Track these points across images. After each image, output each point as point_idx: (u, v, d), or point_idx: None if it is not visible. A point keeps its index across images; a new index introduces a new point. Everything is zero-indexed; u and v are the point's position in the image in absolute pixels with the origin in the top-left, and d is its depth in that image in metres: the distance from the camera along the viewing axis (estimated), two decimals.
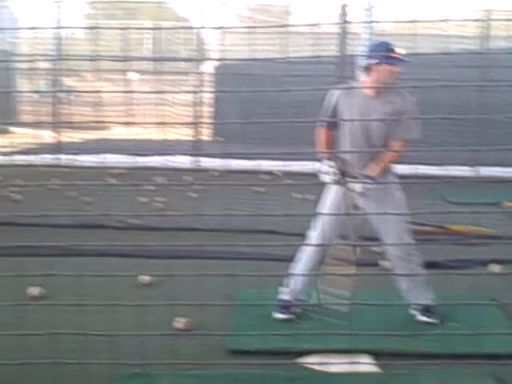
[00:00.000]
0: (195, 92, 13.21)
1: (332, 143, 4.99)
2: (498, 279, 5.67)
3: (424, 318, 4.79)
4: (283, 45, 13.03)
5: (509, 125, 11.18)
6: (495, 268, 6.09)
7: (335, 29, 13.09)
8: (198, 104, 13.56)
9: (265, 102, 12.31)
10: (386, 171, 4.81)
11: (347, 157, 4.78)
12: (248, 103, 12.79)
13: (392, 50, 4.68)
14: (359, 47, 11.88)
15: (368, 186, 4.65)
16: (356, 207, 4.92)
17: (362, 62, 4.86)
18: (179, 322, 4.41)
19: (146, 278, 5.33)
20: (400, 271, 4.80)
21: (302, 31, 13.09)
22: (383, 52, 4.61)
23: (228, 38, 13.94)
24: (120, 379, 3.71)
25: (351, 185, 4.75)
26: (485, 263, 6.12)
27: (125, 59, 13.78)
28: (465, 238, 7.02)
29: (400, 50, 4.71)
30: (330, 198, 4.91)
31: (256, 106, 12.54)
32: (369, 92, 4.77)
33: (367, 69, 4.76)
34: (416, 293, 4.84)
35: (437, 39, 13.22)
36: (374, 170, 4.70)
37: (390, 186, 4.73)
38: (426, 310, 4.83)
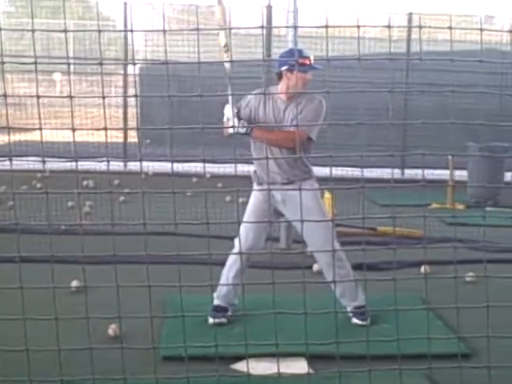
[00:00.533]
0: (128, 96, 13.02)
1: None
2: (429, 280, 5.79)
3: (357, 321, 4.89)
4: (209, 46, 13.02)
5: (427, 127, 11.49)
6: (426, 269, 6.24)
7: (261, 30, 13.14)
8: (125, 106, 13.44)
9: (192, 103, 12.30)
10: (305, 178, 4.87)
11: (264, 163, 4.82)
12: (175, 105, 12.75)
13: (303, 57, 4.74)
14: (284, 49, 12.00)
15: (286, 192, 4.70)
16: (278, 213, 4.98)
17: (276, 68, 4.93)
18: (112, 329, 4.35)
19: (76, 285, 5.25)
20: (330, 276, 4.84)
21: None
22: (294, 59, 4.67)
23: (153, 38, 13.84)
24: None
25: (272, 193, 4.80)
26: (416, 265, 6.25)
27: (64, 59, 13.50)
28: (395, 240, 7.17)
29: (310, 57, 4.78)
30: (252, 205, 4.96)
31: (183, 108, 12.52)
32: (282, 97, 4.83)
33: (279, 75, 4.83)
34: (348, 296, 4.92)
35: (362, 42, 13.43)
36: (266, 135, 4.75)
37: (308, 191, 4.79)
38: (359, 312, 4.92)
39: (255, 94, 4.94)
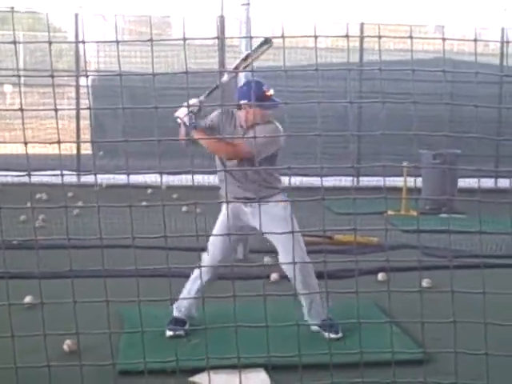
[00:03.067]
0: (81, 108, 12.88)
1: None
2: (384, 287, 5.82)
3: (332, 335, 4.78)
4: (162, 57, 12.98)
5: (385, 137, 11.59)
6: (383, 276, 6.27)
7: (215, 41, 13.15)
8: (77, 118, 13.29)
9: (144, 114, 12.23)
10: (271, 191, 4.87)
11: (228, 179, 4.81)
12: (127, 116, 12.66)
13: (263, 93, 4.72)
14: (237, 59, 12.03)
15: (255, 206, 4.68)
16: (250, 227, 4.95)
17: (236, 97, 4.90)
18: (67, 345, 4.26)
19: (29, 300, 5.15)
20: (300, 289, 4.80)
21: (181, 43, 13.05)
22: (256, 94, 4.64)
23: (106, 49, 13.72)
24: None
25: (238, 205, 4.79)
26: (373, 272, 6.27)
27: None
28: (351, 248, 7.20)
29: (271, 91, 4.75)
30: (221, 221, 4.95)
31: (136, 119, 12.43)
32: (242, 123, 4.84)
33: (239, 105, 4.82)
34: (315, 312, 4.90)
35: (313, 52, 13.53)
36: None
37: (278, 205, 4.79)
38: (328, 325, 4.84)
39: (219, 112, 4.92)
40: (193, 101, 4.67)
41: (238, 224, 4.90)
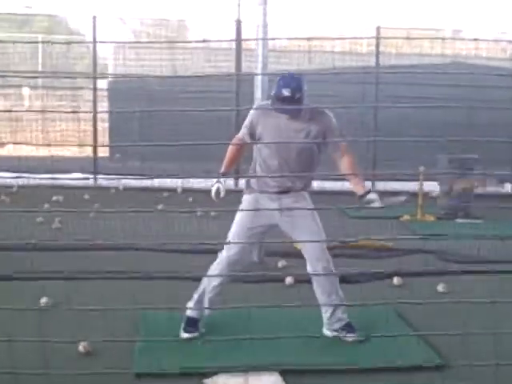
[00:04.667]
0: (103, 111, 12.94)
1: (237, 160, 4.99)
2: (400, 291, 5.82)
3: (352, 337, 4.75)
4: (179, 60, 13.03)
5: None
6: (399, 281, 6.25)
7: (231, 45, 13.18)
8: (94, 121, 13.34)
9: (161, 117, 12.28)
10: (302, 189, 4.84)
11: (263, 175, 4.78)
12: (144, 119, 12.71)
13: (280, 94, 4.64)
14: (254, 63, 12.07)
15: (281, 202, 4.66)
16: (271, 226, 4.91)
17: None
18: (82, 346, 4.28)
19: (46, 301, 5.17)
20: (321, 290, 4.78)
21: (198, 46, 13.09)
22: (275, 90, 4.60)
23: (123, 52, 13.79)
24: None
25: (267, 203, 4.74)
26: (389, 276, 6.25)
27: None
28: (368, 253, 7.19)
29: (287, 92, 4.66)
30: (242, 216, 4.89)
31: (152, 122, 12.48)
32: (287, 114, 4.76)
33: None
34: (338, 316, 4.85)
35: (332, 56, 13.54)
36: (359, 186, 4.74)
37: (305, 204, 4.76)
38: (350, 328, 4.81)
39: (259, 108, 4.87)
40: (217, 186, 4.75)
41: (259, 223, 4.84)
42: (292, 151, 4.74)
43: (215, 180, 4.77)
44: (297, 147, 4.70)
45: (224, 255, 4.83)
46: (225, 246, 4.79)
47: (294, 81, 4.65)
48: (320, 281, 4.80)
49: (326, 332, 4.87)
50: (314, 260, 4.70)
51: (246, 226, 4.79)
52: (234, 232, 4.81)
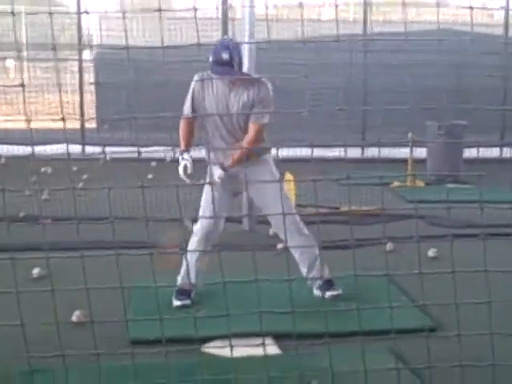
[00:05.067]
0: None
1: (192, 134, 5.00)
2: (392, 257, 5.85)
3: (329, 293, 4.90)
4: (165, 30, 12.89)
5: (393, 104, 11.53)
6: (390, 246, 6.28)
7: (218, 14, 13.08)
8: (81, 92, 13.25)
9: (148, 86, 12.19)
10: (261, 156, 4.87)
11: (215, 146, 4.83)
12: (131, 89, 12.62)
13: (215, 58, 4.62)
14: (242, 33, 11.96)
15: (244, 170, 4.69)
16: (237, 194, 5.00)
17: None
18: (76, 315, 4.29)
19: (39, 272, 5.18)
20: (296, 252, 4.91)
21: (185, 16, 12.97)
22: (211, 56, 4.63)
23: (107, 23, 13.65)
24: (20, 375, 3.59)
25: (229, 172, 4.80)
26: (380, 242, 6.27)
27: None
28: (358, 218, 7.22)
29: (224, 56, 4.61)
30: (206, 190, 4.95)
31: (140, 92, 12.38)
32: (225, 82, 4.78)
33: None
34: (315, 271, 4.95)
35: (318, 24, 13.46)
36: (233, 159, 4.81)
37: (266, 169, 4.83)
38: (328, 284, 4.95)
39: (196, 80, 4.87)
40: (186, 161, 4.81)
41: (226, 192, 4.91)
42: (233, 119, 4.79)
43: (180, 158, 4.82)
44: (238, 115, 4.74)
45: (198, 227, 4.90)
46: (199, 219, 4.87)
47: (231, 45, 4.71)
48: (295, 249, 4.89)
49: (316, 292, 4.97)
50: (286, 229, 4.76)
51: (214, 197, 4.86)
52: (204, 204, 4.88)
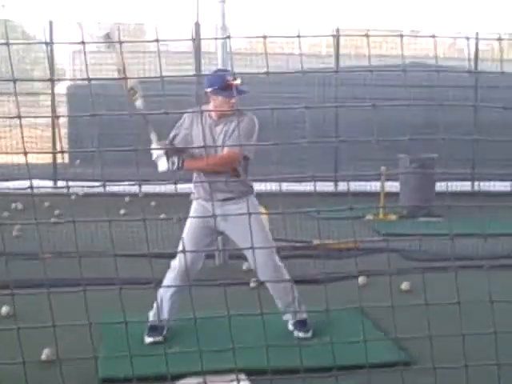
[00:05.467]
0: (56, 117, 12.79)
1: None
2: (366, 290, 5.84)
3: (300, 334, 4.91)
4: (139, 64, 12.92)
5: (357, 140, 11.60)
6: (363, 280, 6.28)
7: (191, 48, 13.14)
8: (53, 126, 13.20)
9: (121, 122, 12.16)
10: (245, 194, 4.86)
11: (201, 182, 4.83)
12: (104, 124, 12.57)
13: (226, 82, 4.72)
14: (215, 66, 12.03)
15: (226, 209, 4.68)
16: (218, 233, 4.97)
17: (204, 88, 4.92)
18: (45, 354, 4.21)
19: (7, 311, 5.11)
20: (274, 291, 4.90)
21: (156, 50, 13.02)
22: (218, 83, 4.69)
23: (80, 57, 13.64)
24: None
25: (210, 208, 4.76)
26: (354, 276, 6.27)
27: None
28: (331, 252, 7.21)
29: (237, 80, 4.74)
30: (190, 224, 4.92)
31: (112, 128, 12.34)
32: (213, 116, 4.84)
33: (207, 96, 4.85)
34: (290, 309, 4.94)
35: (292, 58, 13.55)
36: (207, 162, 4.76)
37: (249, 207, 4.80)
38: (302, 325, 4.95)
39: (189, 112, 4.95)
40: (159, 144, 4.76)
41: (207, 230, 4.87)
42: (218, 152, 4.80)
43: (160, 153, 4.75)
44: (223, 149, 4.76)
45: (176, 263, 4.87)
46: (177, 254, 4.83)
47: (228, 72, 4.99)
48: (271, 286, 4.89)
49: (290, 327, 4.99)
50: (263, 267, 4.75)
51: (194, 233, 4.84)
52: (184, 240, 4.84)
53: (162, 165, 4.69)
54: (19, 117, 2.65)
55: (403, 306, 3.08)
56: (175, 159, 4.68)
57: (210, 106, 4.87)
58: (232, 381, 3.50)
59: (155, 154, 4.72)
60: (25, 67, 14.02)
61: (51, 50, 13.00)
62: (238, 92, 4.67)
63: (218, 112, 4.77)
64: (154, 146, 4.73)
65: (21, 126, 2.75)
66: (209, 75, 5.08)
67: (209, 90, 4.77)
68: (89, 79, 2.59)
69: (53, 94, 13.10)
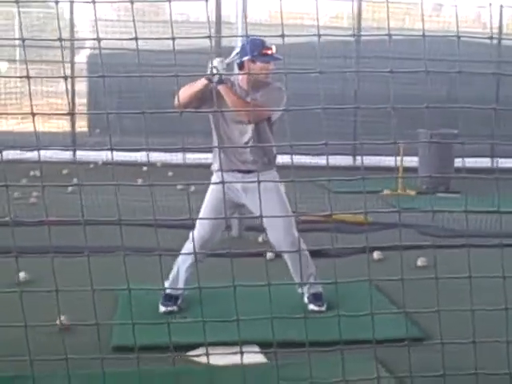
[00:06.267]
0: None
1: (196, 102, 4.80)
2: (380, 265, 5.84)
3: (314, 307, 4.91)
4: (158, 33, 12.88)
5: (378, 114, 11.51)
6: (378, 255, 6.27)
7: (211, 18, 13.06)
8: (73, 94, 13.21)
9: (139, 91, 12.15)
10: (267, 167, 4.84)
11: (226, 151, 4.79)
12: (123, 93, 12.58)
13: (264, 48, 4.70)
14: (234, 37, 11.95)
15: (248, 180, 4.66)
16: (238, 204, 4.94)
17: (236, 58, 4.86)
18: (61, 321, 4.25)
19: (24, 276, 5.16)
20: (290, 263, 4.90)
21: (177, 20, 12.97)
22: (256, 49, 4.65)
23: (102, 25, 13.61)
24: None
25: (229, 180, 4.74)
26: (369, 250, 6.25)
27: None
28: (348, 226, 7.19)
29: (272, 48, 4.73)
30: (210, 196, 4.91)
31: (132, 96, 12.33)
32: (243, 86, 4.81)
33: (241, 65, 4.79)
34: (306, 282, 4.94)
35: (311, 30, 13.42)
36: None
37: (271, 182, 4.78)
38: (316, 298, 4.95)
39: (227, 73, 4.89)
40: (220, 59, 4.64)
41: (228, 202, 4.85)
42: (245, 124, 4.77)
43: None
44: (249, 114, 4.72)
45: (195, 234, 4.86)
46: (196, 225, 4.82)
47: (264, 40, 4.82)
48: (289, 259, 4.88)
49: (306, 300, 5.00)
50: (281, 239, 4.75)
51: (214, 205, 4.83)
52: (204, 211, 4.84)
53: (217, 61, 4.60)
54: (28, 77, 2.64)
55: (414, 281, 3.08)
56: (222, 76, 4.60)
57: (243, 76, 4.82)
58: (237, 352, 3.52)
59: (214, 64, 4.59)
60: (46, 36, 14.01)
61: (71, 17, 12.99)
62: (274, 59, 4.67)
63: (250, 81, 4.73)
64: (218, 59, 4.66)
65: (29, 85, 2.73)
66: (244, 44, 4.97)
67: (247, 57, 4.72)
68: (98, 39, 2.57)
69: (72, 63, 13.09)
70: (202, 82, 4.54)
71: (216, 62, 4.54)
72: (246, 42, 4.93)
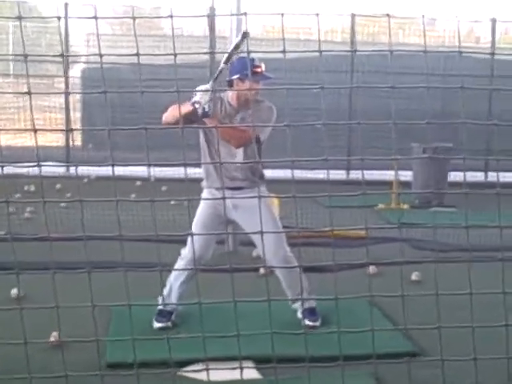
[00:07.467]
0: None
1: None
2: (375, 280, 5.82)
3: (308, 323, 4.88)
4: (152, 48, 12.90)
5: (371, 129, 11.53)
6: (373, 269, 6.24)
7: (205, 33, 13.11)
8: (66, 108, 13.20)
9: (133, 105, 12.15)
10: (256, 182, 4.83)
11: (216, 168, 4.76)
12: (116, 107, 12.57)
13: (254, 66, 4.68)
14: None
15: (238, 197, 4.63)
16: (228, 221, 4.92)
17: (227, 75, 4.84)
18: (53, 337, 4.22)
19: (16, 292, 5.12)
20: (282, 278, 4.88)
21: (171, 34, 12.98)
22: (245, 68, 4.62)
23: (96, 39, 13.62)
24: None
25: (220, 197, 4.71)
26: (363, 265, 6.24)
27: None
28: (343, 242, 7.16)
29: (262, 66, 4.71)
30: (201, 213, 4.88)
31: (125, 111, 12.33)
32: (233, 104, 4.81)
33: (230, 83, 4.78)
34: (299, 298, 4.91)
35: (306, 44, 13.50)
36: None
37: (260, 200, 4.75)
38: (311, 313, 4.92)
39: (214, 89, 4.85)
40: (204, 87, 4.54)
41: (218, 218, 4.82)
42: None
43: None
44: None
45: (186, 252, 4.85)
46: (187, 242, 4.81)
47: (254, 59, 4.76)
48: (281, 274, 4.87)
49: (299, 315, 4.98)
50: (271, 255, 4.71)
51: (205, 221, 4.81)
52: (195, 227, 4.82)
53: (200, 96, 4.49)
54: (29, 93, 2.64)
55: (412, 297, 3.06)
56: (211, 105, 4.55)
57: (232, 94, 4.80)
58: (236, 368, 3.49)
59: (198, 96, 4.50)
60: (40, 50, 14.01)
61: (66, 32, 12.99)
62: (263, 78, 4.65)
63: (240, 99, 4.73)
64: (203, 86, 4.56)
65: (30, 102, 2.72)
66: (234, 63, 4.94)
67: (236, 76, 4.71)
68: (100, 55, 2.56)
69: (67, 77, 13.09)
70: (188, 108, 4.46)
71: (198, 96, 4.47)
72: (235, 59, 4.92)
